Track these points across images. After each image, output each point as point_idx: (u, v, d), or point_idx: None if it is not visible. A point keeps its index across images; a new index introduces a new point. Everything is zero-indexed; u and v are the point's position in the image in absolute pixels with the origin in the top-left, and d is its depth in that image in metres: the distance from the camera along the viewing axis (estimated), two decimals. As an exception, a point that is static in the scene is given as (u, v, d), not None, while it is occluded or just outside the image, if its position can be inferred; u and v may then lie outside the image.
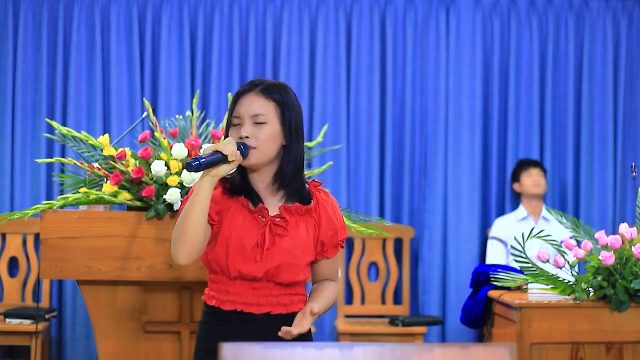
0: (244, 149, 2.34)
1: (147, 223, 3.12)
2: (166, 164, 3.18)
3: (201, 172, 2.31)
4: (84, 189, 3.12)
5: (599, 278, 3.28)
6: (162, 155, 3.22)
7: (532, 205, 5.42)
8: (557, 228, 4.99)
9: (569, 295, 3.36)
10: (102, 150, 3.29)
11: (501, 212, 5.61)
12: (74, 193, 3.22)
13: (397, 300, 5.53)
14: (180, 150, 3.19)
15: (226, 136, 2.45)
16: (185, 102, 5.39)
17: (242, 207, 2.40)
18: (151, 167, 3.14)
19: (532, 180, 5.38)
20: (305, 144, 2.53)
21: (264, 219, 2.39)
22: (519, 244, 3.39)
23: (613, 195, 5.63)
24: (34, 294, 5.18)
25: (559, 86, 5.68)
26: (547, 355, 3.29)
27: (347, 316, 5.42)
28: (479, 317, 3.71)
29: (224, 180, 2.43)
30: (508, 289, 3.58)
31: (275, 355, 1.64)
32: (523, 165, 5.44)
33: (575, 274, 3.39)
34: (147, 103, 3.45)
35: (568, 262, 3.38)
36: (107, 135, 3.34)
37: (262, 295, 2.40)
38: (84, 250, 3.11)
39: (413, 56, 5.60)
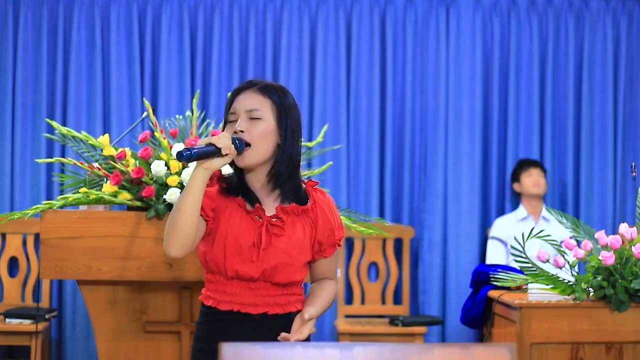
0: (238, 143, 2.34)
1: (147, 223, 3.12)
2: (166, 164, 3.18)
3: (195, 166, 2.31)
4: (84, 189, 3.12)
5: (599, 278, 3.28)
6: (162, 155, 3.22)
7: (532, 205, 5.42)
8: (557, 228, 4.99)
9: (569, 295, 3.36)
10: (102, 150, 3.29)
11: (501, 212, 5.61)
12: (74, 193, 3.22)
13: (397, 300, 5.53)
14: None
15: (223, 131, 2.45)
16: (185, 102, 5.39)
17: (238, 207, 2.40)
18: (151, 167, 3.14)
19: (532, 181, 5.38)
20: (305, 144, 2.53)
21: (261, 219, 2.39)
22: (519, 244, 3.39)
23: (613, 195, 5.63)
24: (34, 294, 5.18)
25: (559, 86, 5.68)
26: (547, 355, 3.29)
27: (347, 316, 5.42)
28: (479, 317, 3.71)
29: (221, 180, 2.43)
30: (508, 289, 3.58)
31: (275, 355, 1.64)
32: (523, 165, 5.44)
33: (575, 274, 3.39)
34: (147, 103, 3.45)
35: (568, 262, 3.38)
36: (107, 135, 3.34)
37: (259, 295, 2.40)
38: (84, 250, 3.11)
39: (413, 56, 5.60)
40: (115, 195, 3.13)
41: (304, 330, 2.38)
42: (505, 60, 5.67)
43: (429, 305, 5.50)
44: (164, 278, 3.14)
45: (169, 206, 3.12)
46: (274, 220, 2.40)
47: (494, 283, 3.56)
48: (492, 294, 3.61)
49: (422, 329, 5.10)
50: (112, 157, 3.24)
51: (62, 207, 3.18)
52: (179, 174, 3.15)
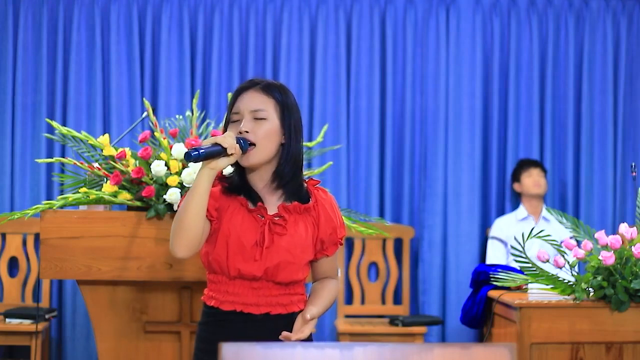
0: (243, 143, 2.34)
1: (147, 223, 3.12)
2: (166, 164, 3.18)
3: (200, 166, 2.31)
4: (84, 189, 3.12)
5: (599, 278, 3.28)
6: (162, 155, 3.22)
7: (533, 205, 5.42)
8: (557, 228, 4.99)
9: (569, 295, 3.36)
10: (102, 150, 3.29)
11: (501, 212, 5.61)
12: (74, 193, 3.22)
13: (397, 300, 5.53)
14: (180, 150, 3.19)
15: (224, 132, 2.45)
16: (185, 102, 5.39)
17: (241, 206, 2.40)
18: (151, 167, 3.14)
19: (533, 181, 5.38)
20: (305, 144, 2.54)
21: (263, 218, 2.39)
22: (519, 244, 3.39)
23: (613, 195, 5.63)
24: (34, 294, 5.18)
25: (559, 86, 5.68)
26: (547, 355, 3.29)
27: (347, 316, 5.42)
28: (479, 317, 3.71)
29: (222, 180, 2.43)
30: (508, 289, 3.58)
31: (275, 355, 1.64)
32: (523, 165, 5.44)
33: (575, 274, 3.39)
34: (147, 103, 3.45)
35: (568, 262, 3.38)
36: (107, 135, 3.34)
37: (261, 295, 2.40)
38: (84, 250, 3.11)
39: (413, 56, 5.60)
40: (115, 195, 3.13)
41: (305, 329, 2.38)
42: (505, 60, 5.67)
43: (429, 305, 5.50)
44: (164, 278, 3.14)
45: (169, 206, 3.12)
46: (276, 219, 2.40)
47: (494, 283, 3.56)
48: (492, 294, 3.61)
49: (422, 329, 5.10)
50: (112, 157, 3.24)
51: (62, 207, 3.18)
52: (179, 174, 3.15)
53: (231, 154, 2.30)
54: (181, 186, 3.13)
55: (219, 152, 2.28)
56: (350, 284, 5.48)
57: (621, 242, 3.29)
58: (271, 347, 1.66)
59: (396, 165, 5.60)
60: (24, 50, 5.38)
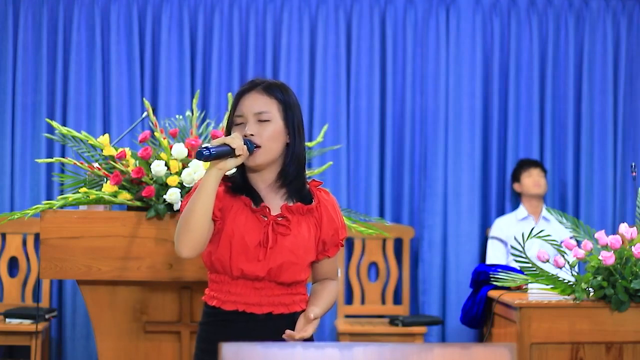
0: (249, 145, 2.35)
1: (147, 223, 3.12)
2: (166, 164, 3.18)
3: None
4: (84, 189, 3.12)
5: (599, 278, 3.27)
6: (162, 155, 3.22)
7: (533, 205, 5.42)
8: (557, 228, 4.99)
9: (569, 295, 3.36)
10: (102, 150, 3.29)
11: (501, 212, 5.61)
12: (74, 193, 3.22)
13: (397, 300, 5.53)
14: (180, 150, 3.19)
15: (227, 133, 2.45)
16: (185, 102, 5.39)
17: (244, 206, 2.40)
18: (151, 167, 3.14)
19: (533, 181, 5.38)
20: (305, 143, 2.54)
21: (266, 219, 2.40)
22: (519, 244, 3.38)
23: (613, 195, 5.63)
24: (34, 294, 5.18)
25: (559, 86, 5.68)
26: (547, 355, 3.29)
27: (347, 316, 5.42)
28: (479, 317, 3.71)
29: (225, 179, 2.44)
30: (508, 289, 3.58)
31: (275, 355, 1.64)
32: (523, 165, 5.44)
33: (575, 274, 3.38)
34: (147, 103, 3.45)
35: (568, 262, 3.38)
36: (107, 135, 3.34)
37: (264, 295, 2.41)
38: (84, 250, 3.11)
39: (413, 56, 5.60)
40: (115, 195, 3.13)
41: (308, 328, 2.38)
42: (505, 60, 5.67)
43: (429, 305, 5.50)
44: (164, 278, 3.14)
45: (169, 206, 3.12)
46: (279, 219, 2.40)
47: (494, 283, 3.56)
48: (492, 294, 3.61)
49: (422, 329, 5.10)
50: (112, 157, 3.24)
51: (62, 207, 3.18)
52: (179, 174, 3.15)
53: (239, 155, 2.31)
54: (181, 186, 3.13)
55: (228, 152, 2.29)
56: (350, 284, 5.48)
57: (621, 242, 3.29)
58: (271, 347, 1.66)
59: (396, 165, 5.60)
60: (24, 50, 5.38)
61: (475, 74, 5.60)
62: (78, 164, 3.29)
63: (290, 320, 2.42)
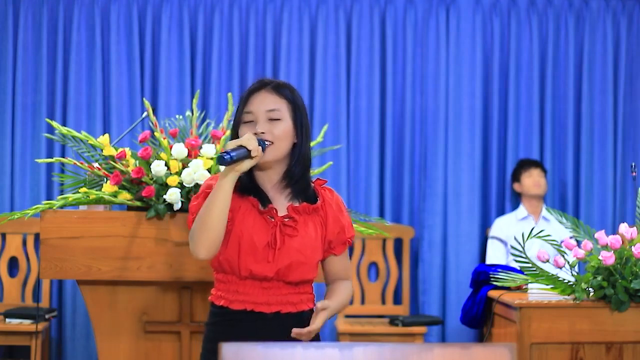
0: (262, 144, 2.36)
1: (147, 223, 3.12)
2: (166, 164, 3.18)
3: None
4: (84, 189, 3.12)
5: (599, 278, 3.27)
6: (162, 155, 3.22)
7: (533, 205, 5.42)
8: (557, 228, 4.99)
9: (569, 295, 3.36)
10: (102, 150, 3.28)
11: (501, 212, 5.61)
12: (74, 193, 3.22)
13: (397, 300, 5.53)
14: (180, 150, 3.19)
15: (234, 135, 2.45)
16: (185, 102, 5.39)
17: (252, 207, 2.42)
18: (151, 167, 3.14)
19: (533, 181, 5.38)
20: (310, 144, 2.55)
21: (273, 220, 2.40)
22: (519, 244, 3.38)
23: (613, 195, 5.63)
24: (34, 294, 5.18)
25: (559, 86, 5.68)
26: (547, 355, 3.29)
27: (347, 316, 5.42)
28: (479, 317, 3.71)
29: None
30: (508, 289, 3.58)
31: (275, 355, 1.64)
32: (524, 165, 5.44)
33: (575, 274, 3.38)
34: (147, 103, 3.45)
35: (568, 262, 3.37)
36: (107, 135, 3.34)
37: (272, 294, 2.41)
38: (84, 250, 3.11)
39: (413, 56, 5.60)
40: (115, 195, 3.13)
41: (317, 319, 2.38)
42: (505, 60, 5.67)
43: (429, 305, 5.50)
44: (164, 278, 3.14)
45: (169, 206, 3.12)
46: (286, 220, 2.41)
47: (494, 283, 3.56)
48: (492, 294, 3.61)
49: (422, 329, 5.10)
50: (112, 157, 3.24)
51: (62, 207, 3.18)
52: (179, 174, 3.15)
53: (254, 156, 2.32)
54: (181, 186, 3.13)
55: (245, 155, 2.31)
56: (350, 284, 5.47)
57: (621, 242, 3.29)
58: (271, 347, 1.66)
59: (396, 165, 5.60)
60: (24, 50, 5.38)
61: (475, 74, 5.60)
62: (78, 164, 3.28)
63: (298, 319, 2.43)
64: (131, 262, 3.12)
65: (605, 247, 3.31)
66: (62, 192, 3.75)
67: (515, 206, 5.55)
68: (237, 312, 2.41)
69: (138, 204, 3.15)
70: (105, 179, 3.22)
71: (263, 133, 2.38)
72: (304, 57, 5.53)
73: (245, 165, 2.32)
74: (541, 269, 3.39)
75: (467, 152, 5.56)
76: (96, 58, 5.39)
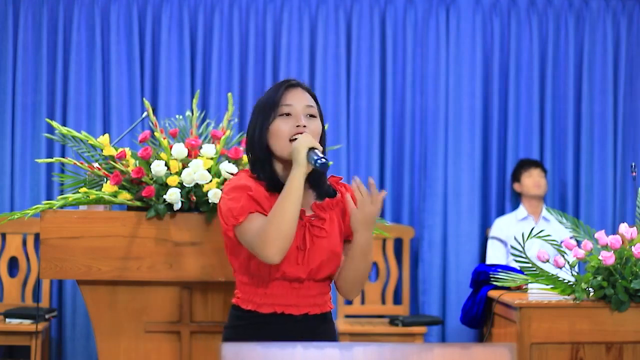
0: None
1: (147, 223, 3.12)
2: (166, 164, 3.17)
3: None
4: (84, 189, 3.12)
5: (599, 278, 3.27)
6: (162, 155, 3.22)
7: (533, 205, 5.42)
8: (557, 228, 4.99)
9: (569, 295, 3.36)
10: (102, 150, 3.28)
11: (501, 212, 5.61)
12: (74, 193, 3.22)
13: (397, 300, 5.53)
14: (180, 150, 3.19)
15: (261, 126, 2.42)
16: (185, 102, 5.39)
17: None
18: (151, 167, 3.14)
19: (533, 181, 5.38)
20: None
21: (302, 220, 2.40)
22: (519, 244, 3.38)
23: (613, 195, 5.63)
24: (34, 294, 5.18)
25: (559, 86, 5.68)
26: (547, 355, 3.29)
27: (347, 316, 5.42)
28: (479, 317, 3.71)
29: (259, 179, 2.42)
30: (508, 289, 3.58)
31: (275, 355, 1.64)
32: (524, 165, 5.44)
33: (575, 274, 3.38)
34: (147, 103, 3.45)
35: (568, 262, 3.37)
36: (107, 135, 3.33)
37: (301, 295, 2.41)
38: (84, 250, 3.11)
39: (413, 56, 5.60)
40: (115, 195, 3.13)
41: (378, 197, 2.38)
42: (505, 60, 5.67)
43: (429, 305, 5.50)
44: (164, 278, 3.14)
45: (169, 206, 3.12)
46: (313, 219, 2.42)
47: (494, 283, 3.56)
48: (492, 294, 3.61)
49: (422, 329, 5.10)
50: (112, 157, 3.24)
51: (62, 207, 3.18)
52: (179, 174, 3.15)
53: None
54: (181, 186, 3.13)
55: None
56: (350, 284, 5.47)
57: (621, 242, 3.29)
58: (271, 347, 1.66)
59: (396, 165, 5.60)
60: (24, 50, 5.38)
61: (475, 74, 5.60)
62: (78, 164, 3.28)
63: (323, 320, 2.45)
64: (131, 262, 3.12)
65: (605, 247, 3.30)
66: (62, 192, 3.75)
67: (515, 206, 5.55)
68: (266, 315, 2.40)
69: (138, 204, 3.15)
70: (105, 179, 3.22)
71: (305, 127, 2.39)
72: (304, 57, 5.53)
73: (310, 165, 2.34)
74: (541, 269, 3.39)
75: (467, 152, 5.56)
76: (96, 58, 5.39)
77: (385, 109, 5.58)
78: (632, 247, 3.28)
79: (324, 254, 2.40)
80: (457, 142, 5.56)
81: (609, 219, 5.59)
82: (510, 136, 5.62)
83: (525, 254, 3.38)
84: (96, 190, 3.13)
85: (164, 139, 3.29)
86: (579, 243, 3.48)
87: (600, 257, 3.26)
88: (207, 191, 3.10)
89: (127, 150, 3.23)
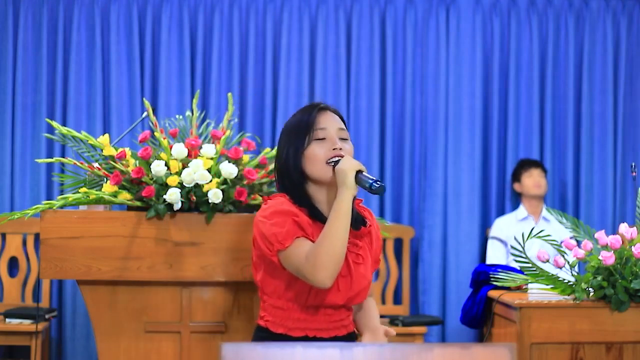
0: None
1: (147, 223, 3.12)
2: (166, 164, 3.17)
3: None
4: (84, 189, 3.12)
5: (599, 278, 3.27)
6: (162, 155, 3.22)
7: (533, 205, 5.42)
8: (557, 228, 4.99)
9: (569, 295, 3.36)
10: (102, 150, 3.28)
11: (501, 212, 5.61)
12: (74, 193, 3.22)
13: (397, 300, 5.53)
14: (180, 150, 3.19)
15: (295, 151, 2.42)
16: (185, 102, 5.39)
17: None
18: (151, 167, 3.14)
19: (533, 181, 5.38)
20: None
21: None
22: (519, 244, 3.38)
23: (613, 195, 5.63)
24: (34, 294, 5.18)
25: (559, 86, 5.68)
26: (547, 355, 3.29)
27: (347, 316, 5.41)
28: (479, 317, 3.70)
29: (301, 205, 2.40)
30: (508, 289, 3.58)
31: (275, 355, 1.64)
32: (524, 165, 5.44)
33: (575, 274, 3.38)
34: (147, 103, 3.45)
35: (568, 262, 3.37)
36: (107, 135, 3.33)
37: (332, 320, 2.42)
38: (84, 250, 3.11)
39: (413, 56, 5.60)
40: (115, 195, 3.13)
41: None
42: (505, 60, 5.67)
43: (429, 305, 5.50)
44: (164, 278, 3.14)
45: (169, 206, 3.12)
46: (349, 246, 2.40)
47: (494, 283, 3.56)
48: (492, 294, 3.61)
49: (422, 329, 5.10)
50: (112, 157, 3.24)
51: (62, 207, 3.18)
52: (179, 174, 3.15)
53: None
54: (181, 186, 3.13)
55: None
56: (350, 284, 5.48)
57: (621, 242, 3.29)
58: (271, 347, 1.66)
59: (396, 165, 5.60)
60: (24, 50, 5.38)
61: (475, 74, 5.61)
62: (78, 164, 3.28)
63: (349, 340, 2.47)
64: (131, 262, 3.12)
65: (605, 247, 3.30)
66: (62, 192, 3.75)
67: (515, 206, 5.55)
68: (296, 338, 2.39)
69: (138, 204, 3.15)
70: (105, 179, 3.22)
71: (341, 149, 2.40)
72: (304, 57, 5.53)
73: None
74: (541, 269, 3.39)
75: (467, 152, 5.57)
76: (96, 58, 5.40)
77: (385, 109, 5.58)
78: (632, 247, 3.28)
79: (362, 281, 2.41)
80: (457, 142, 5.57)
81: (609, 219, 5.60)
82: (510, 136, 5.62)
83: (525, 254, 3.38)
84: (96, 190, 3.13)
85: (164, 139, 3.29)
86: (579, 243, 3.48)
87: (600, 257, 3.25)
88: (207, 191, 3.10)
89: (127, 150, 3.23)
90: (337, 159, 2.38)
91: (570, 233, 3.78)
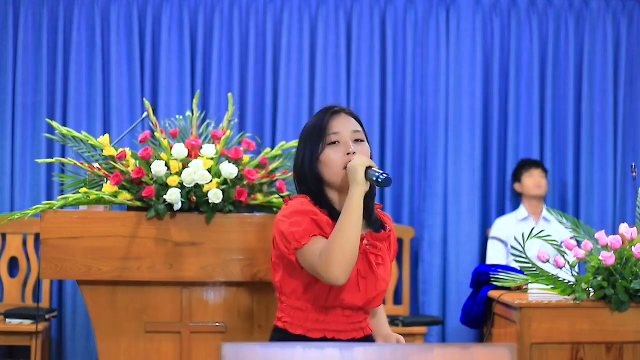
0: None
1: (147, 223, 3.12)
2: (166, 164, 3.18)
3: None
4: (84, 189, 3.12)
5: (599, 278, 3.28)
6: (162, 155, 3.22)
7: (533, 206, 5.42)
8: (558, 228, 4.99)
9: (569, 295, 3.36)
10: (102, 150, 3.29)
11: (501, 212, 5.61)
12: (74, 193, 3.22)
13: (397, 300, 5.53)
14: (180, 150, 3.19)
15: (310, 156, 2.41)
16: (185, 102, 5.39)
17: None
18: (151, 167, 3.14)
19: (533, 181, 5.38)
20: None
21: (359, 247, 2.37)
22: (519, 244, 3.38)
23: (613, 195, 5.63)
24: (34, 294, 5.18)
25: (559, 86, 5.68)
26: (547, 355, 3.29)
27: (347, 316, 5.41)
28: (479, 317, 3.71)
29: (322, 207, 2.40)
30: (508, 289, 3.58)
31: (275, 355, 1.64)
32: (524, 165, 5.44)
33: (575, 274, 3.39)
34: (147, 103, 3.45)
35: (568, 262, 3.38)
36: (107, 135, 3.34)
37: (351, 322, 2.42)
38: (84, 250, 3.11)
39: (413, 56, 5.60)
40: (115, 195, 3.13)
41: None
42: (505, 60, 5.67)
43: (429, 305, 5.50)
44: (164, 278, 3.14)
45: (169, 206, 3.12)
46: (368, 247, 2.40)
47: (494, 283, 3.56)
48: (492, 294, 3.61)
49: (422, 329, 5.10)
50: (112, 157, 3.24)
51: (62, 207, 3.18)
52: (179, 174, 3.15)
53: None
54: (181, 186, 3.13)
55: None
56: (350, 284, 5.47)
57: (621, 242, 3.29)
58: (271, 347, 1.66)
59: (396, 165, 5.60)
60: (24, 50, 5.38)
61: (475, 74, 5.61)
62: (78, 164, 3.29)
63: (366, 342, 2.45)
64: (131, 262, 3.12)
65: (605, 247, 3.31)
66: (62, 192, 3.75)
67: (515, 206, 5.55)
68: (315, 339, 2.38)
69: (138, 204, 3.15)
70: (105, 179, 3.22)
71: (355, 153, 2.37)
72: (304, 57, 5.53)
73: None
74: (541, 269, 3.40)
75: (467, 152, 5.56)
76: (96, 58, 5.39)
77: (385, 109, 5.58)
78: (632, 247, 3.28)
79: (381, 283, 2.39)
80: (457, 142, 5.57)
81: (609, 219, 5.60)
82: (510, 136, 5.62)
83: (525, 254, 3.38)
84: (96, 190, 3.13)
85: (164, 139, 3.30)
86: (579, 243, 3.48)
87: (600, 257, 3.26)
88: (207, 191, 3.10)
89: (127, 150, 3.24)
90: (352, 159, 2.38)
91: (570, 233, 3.78)
